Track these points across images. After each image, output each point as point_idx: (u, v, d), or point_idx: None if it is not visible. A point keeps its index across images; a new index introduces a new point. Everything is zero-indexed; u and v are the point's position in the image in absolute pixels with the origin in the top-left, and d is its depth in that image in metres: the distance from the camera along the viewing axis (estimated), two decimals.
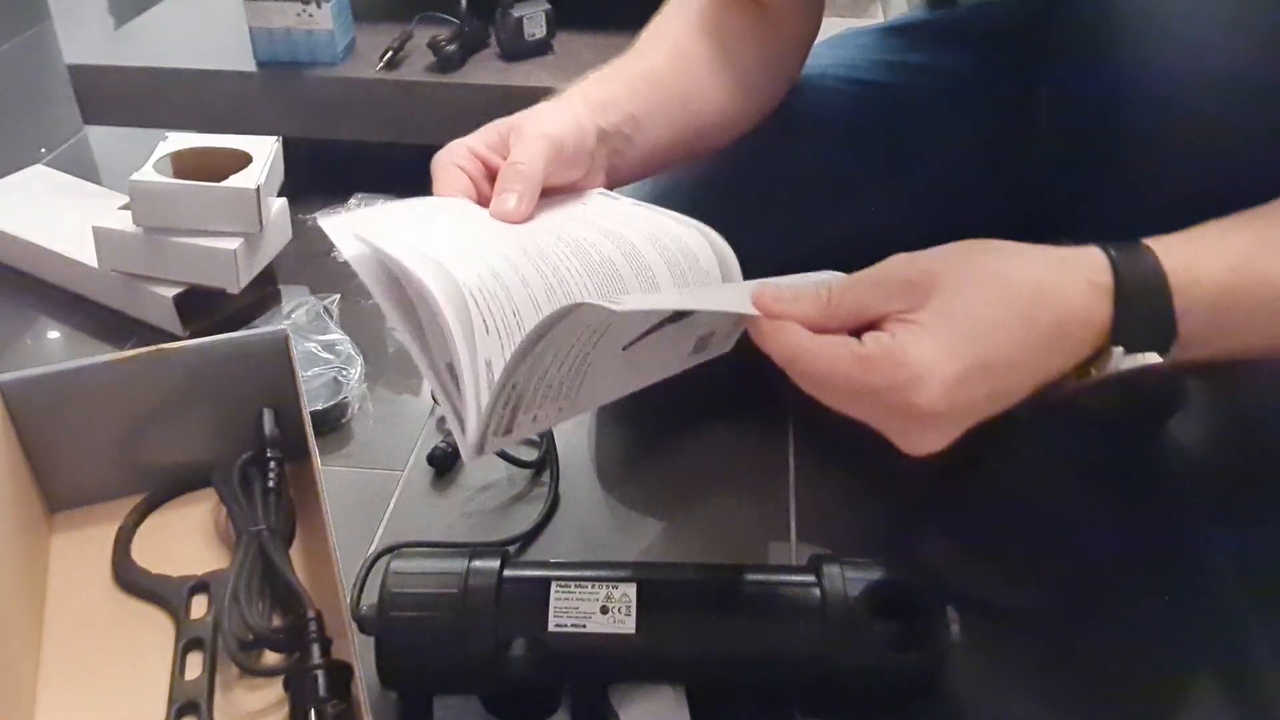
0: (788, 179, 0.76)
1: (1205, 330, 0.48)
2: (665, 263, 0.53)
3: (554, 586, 0.58)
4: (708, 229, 0.56)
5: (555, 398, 0.48)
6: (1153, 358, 0.48)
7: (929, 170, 0.78)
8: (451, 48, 1.13)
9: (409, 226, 0.51)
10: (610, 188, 0.62)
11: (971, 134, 0.77)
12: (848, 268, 0.49)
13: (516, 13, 1.14)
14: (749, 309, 0.47)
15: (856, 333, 0.46)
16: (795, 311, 0.46)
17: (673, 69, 0.66)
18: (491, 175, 0.56)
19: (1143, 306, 0.47)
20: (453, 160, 0.56)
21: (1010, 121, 0.75)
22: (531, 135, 0.56)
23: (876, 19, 1.27)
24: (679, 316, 0.49)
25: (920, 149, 0.78)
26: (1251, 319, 0.49)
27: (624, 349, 0.49)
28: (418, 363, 0.48)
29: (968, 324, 0.45)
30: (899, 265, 0.47)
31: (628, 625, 0.57)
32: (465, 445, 0.46)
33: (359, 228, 0.50)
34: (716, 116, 0.68)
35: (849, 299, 0.46)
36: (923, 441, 0.46)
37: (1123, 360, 0.47)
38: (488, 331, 0.45)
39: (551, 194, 0.57)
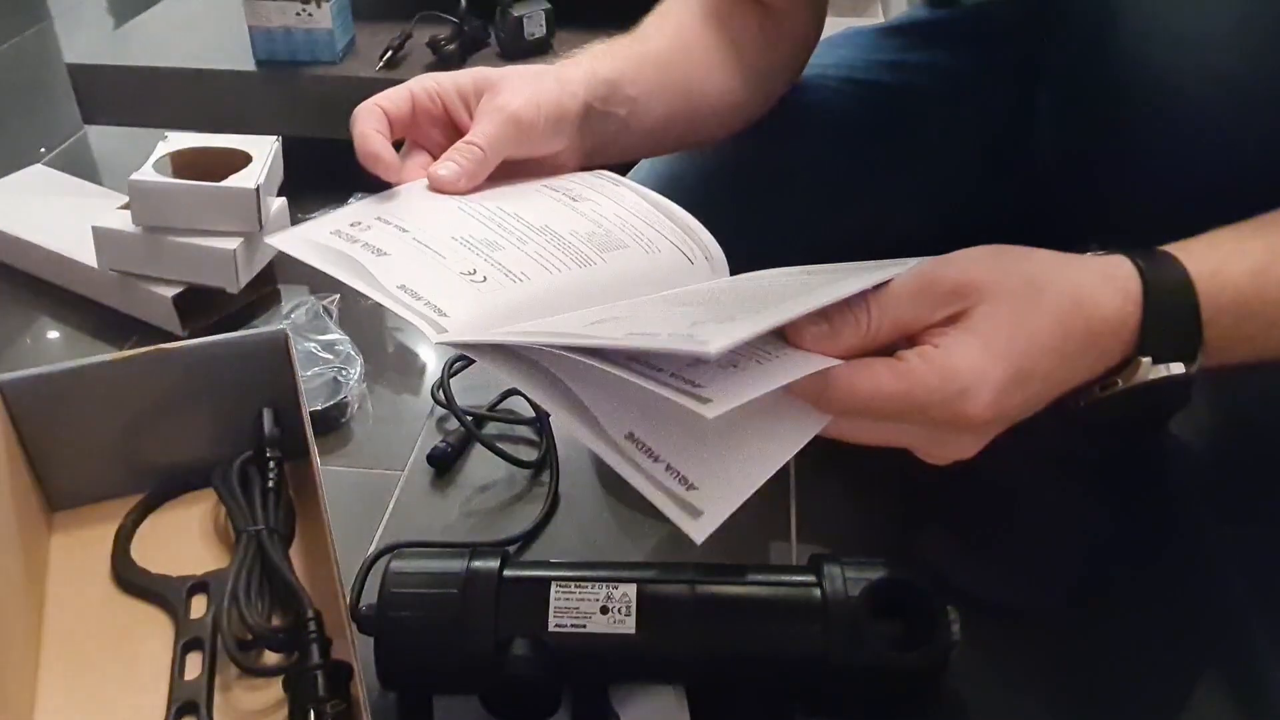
0: (786, 179, 0.76)
1: (1229, 337, 0.48)
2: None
3: (554, 586, 0.58)
4: (701, 232, 0.55)
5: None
6: (1177, 368, 0.47)
7: (929, 171, 0.78)
8: (451, 47, 1.13)
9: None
10: (599, 165, 0.61)
11: (972, 134, 0.77)
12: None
13: (516, 12, 1.14)
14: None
15: (892, 350, 0.44)
16: (835, 350, 0.43)
17: (676, 53, 0.66)
18: (453, 127, 0.56)
19: (1170, 315, 0.47)
20: (376, 102, 0.57)
21: (1011, 121, 0.75)
22: (499, 111, 0.55)
23: (877, 19, 1.27)
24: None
25: (920, 149, 0.78)
26: (1272, 325, 0.49)
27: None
28: (593, 446, 0.42)
29: (1012, 332, 0.44)
30: (937, 273, 0.45)
31: (628, 625, 0.57)
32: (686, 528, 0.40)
33: (464, 335, 0.44)
34: (717, 106, 0.68)
35: (889, 317, 0.44)
36: (959, 450, 0.45)
37: (1150, 370, 0.47)
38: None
39: (525, 168, 0.56)
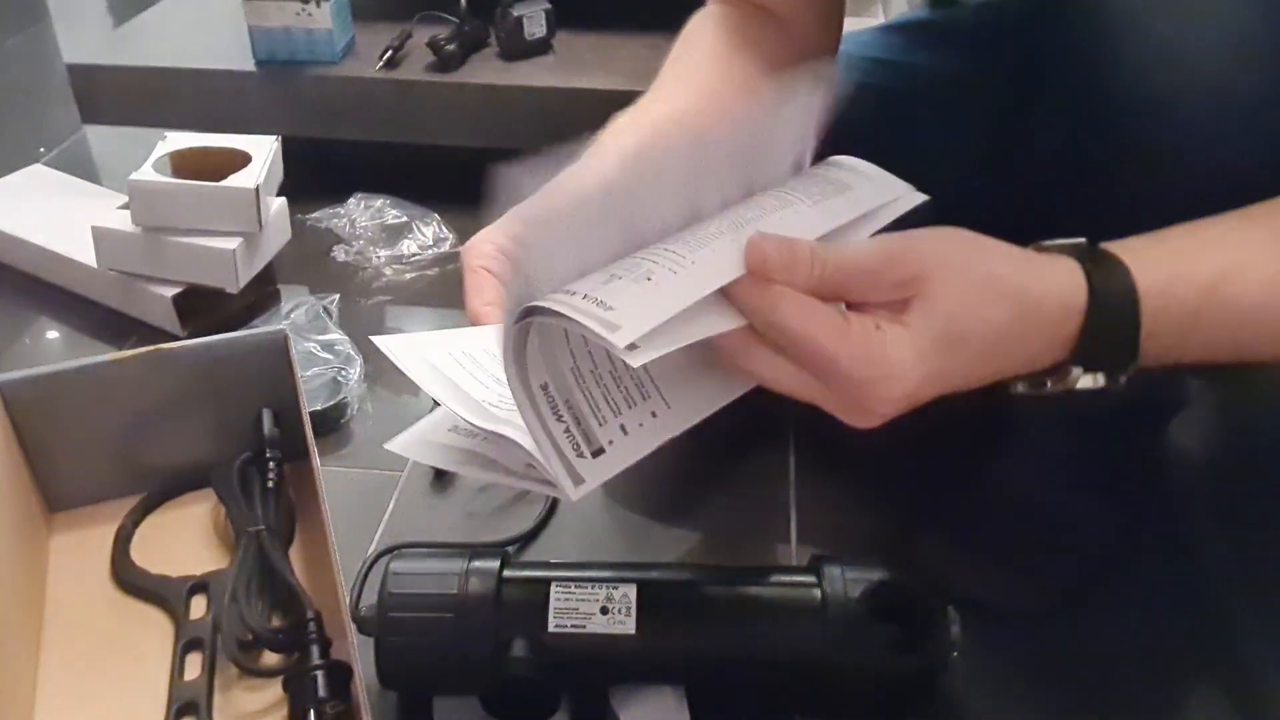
0: None
1: (1165, 349, 0.49)
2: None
3: (554, 587, 0.58)
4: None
5: (631, 401, 0.47)
6: (1102, 380, 0.49)
7: (928, 176, 0.78)
8: (451, 47, 1.13)
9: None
10: None
11: (972, 138, 0.77)
12: None
13: (516, 12, 1.14)
14: (735, 271, 0.44)
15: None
16: (784, 279, 0.45)
17: (705, 105, 0.65)
18: None
19: (1110, 330, 0.48)
20: (480, 262, 0.54)
21: (1011, 123, 0.74)
22: None
23: (877, 19, 1.27)
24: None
25: (919, 154, 0.78)
26: (1213, 336, 0.49)
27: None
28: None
29: (945, 332, 0.45)
30: (893, 259, 0.47)
31: (628, 626, 0.57)
32: (562, 485, 0.45)
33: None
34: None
35: (837, 279, 0.46)
36: (866, 420, 0.47)
37: (1080, 379, 0.48)
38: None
39: None
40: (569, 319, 0.41)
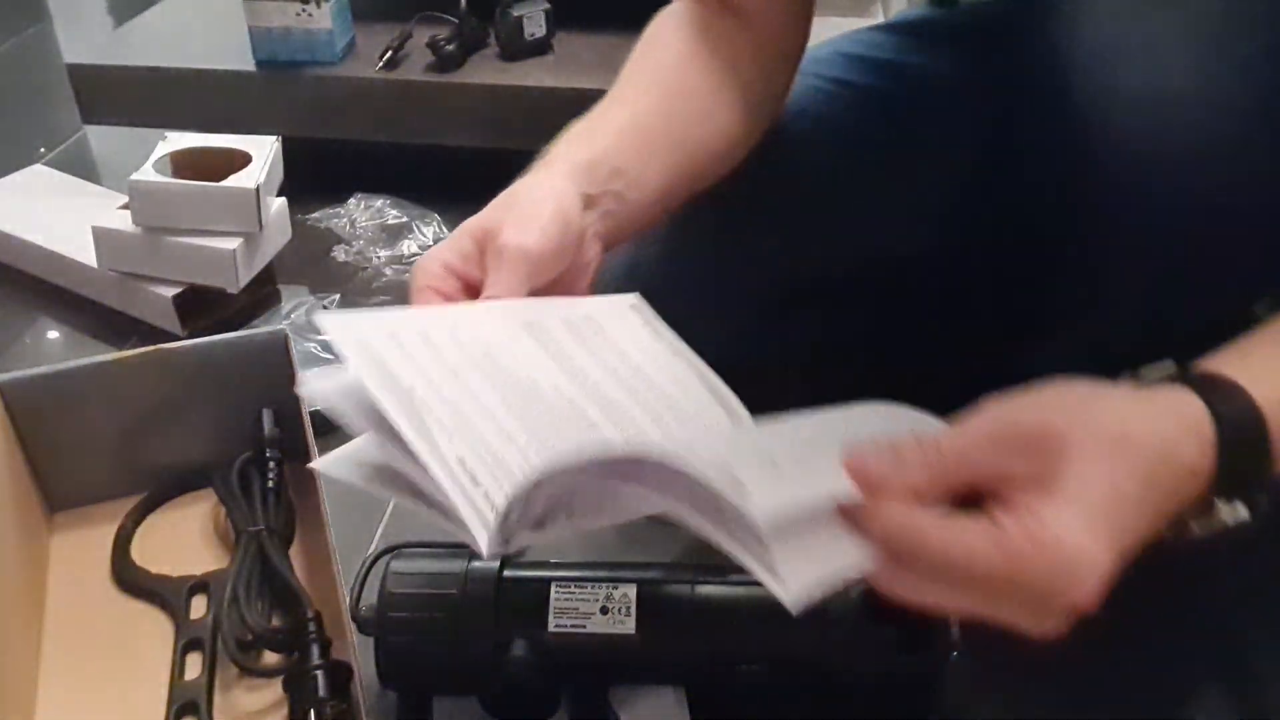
0: (780, 192, 0.75)
1: None
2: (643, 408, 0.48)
3: (554, 587, 0.58)
4: (724, 393, 0.52)
5: (596, 510, 0.43)
6: (1244, 510, 0.45)
7: (922, 181, 0.78)
8: (451, 47, 1.13)
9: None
10: (608, 249, 0.58)
11: (967, 141, 0.76)
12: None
13: (516, 12, 1.14)
14: (841, 484, 0.40)
15: (963, 500, 0.41)
16: (898, 482, 0.40)
17: (668, 106, 0.63)
18: (469, 289, 0.52)
19: (1243, 457, 0.44)
20: (428, 282, 0.52)
21: (1006, 128, 0.74)
22: (509, 256, 0.51)
23: (877, 19, 1.27)
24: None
25: (917, 159, 0.78)
26: None
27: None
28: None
29: (1111, 502, 0.40)
30: (1011, 416, 0.42)
31: (628, 625, 0.57)
32: (481, 541, 0.40)
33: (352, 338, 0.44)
34: (718, 148, 0.65)
35: (964, 460, 0.41)
36: (1060, 625, 0.40)
37: (1223, 512, 0.45)
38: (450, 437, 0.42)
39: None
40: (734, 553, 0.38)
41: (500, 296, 0.50)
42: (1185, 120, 0.55)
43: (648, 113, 0.62)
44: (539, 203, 0.53)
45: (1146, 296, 0.62)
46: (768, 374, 0.55)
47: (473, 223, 0.53)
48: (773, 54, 0.69)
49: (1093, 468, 0.40)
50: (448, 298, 0.51)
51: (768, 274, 0.70)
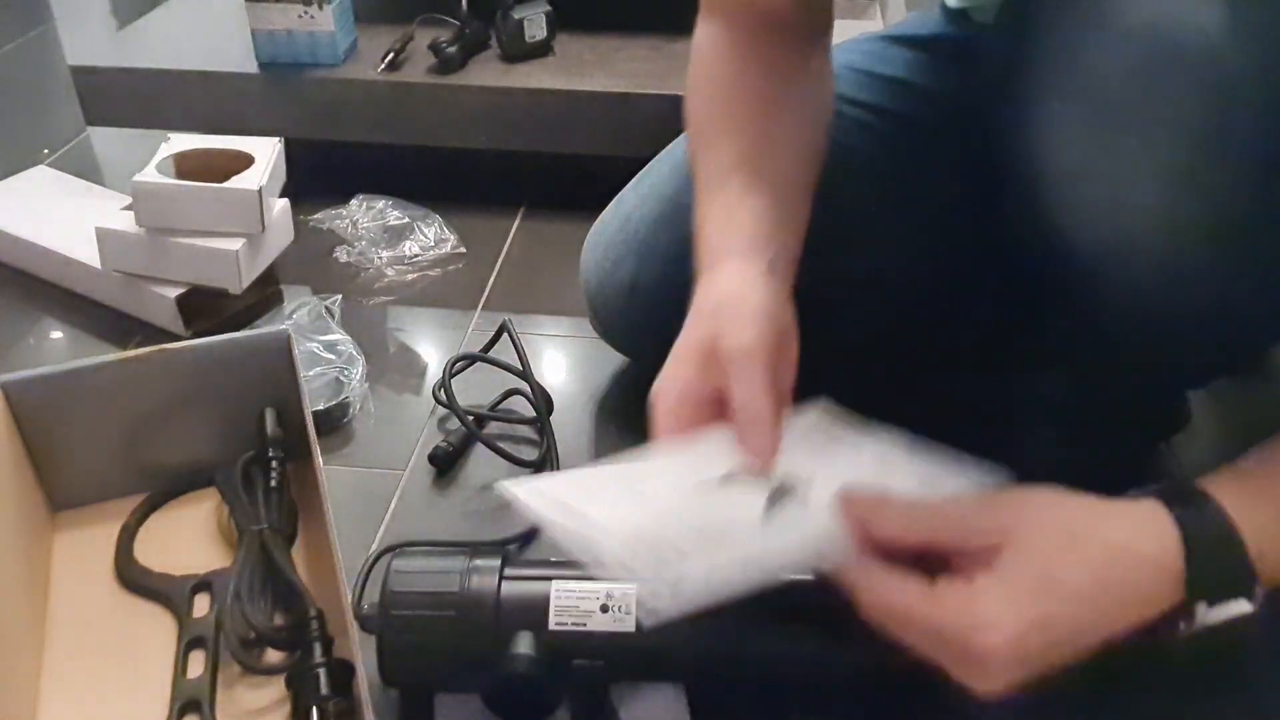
0: None
1: None
2: None
3: (555, 585, 0.58)
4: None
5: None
6: (1239, 606, 0.48)
7: (925, 206, 0.78)
8: (452, 49, 1.13)
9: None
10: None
11: (968, 169, 0.76)
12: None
13: (517, 14, 1.14)
14: (835, 532, 0.49)
15: (922, 560, 0.49)
16: (873, 531, 0.49)
17: (769, 145, 0.63)
18: (706, 404, 0.53)
19: (1215, 559, 0.48)
20: (673, 411, 0.53)
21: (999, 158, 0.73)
22: (742, 364, 0.52)
23: (875, 21, 1.27)
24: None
25: (919, 183, 0.78)
26: None
27: None
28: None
29: (1038, 583, 0.47)
30: (980, 512, 0.49)
31: (628, 624, 0.57)
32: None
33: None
34: (817, 163, 0.66)
35: (929, 529, 0.49)
36: (985, 680, 0.48)
37: (1209, 613, 0.48)
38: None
39: None
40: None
41: (751, 407, 0.51)
42: (1145, 231, 0.55)
43: (750, 159, 0.63)
44: (748, 302, 0.54)
45: (1127, 344, 0.64)
46: None
47: (693, 337, 0.55)
48: (803, 51, 0.69)
49: (1027, 557, 0.47)
50: (688, 424, 0.53)
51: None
